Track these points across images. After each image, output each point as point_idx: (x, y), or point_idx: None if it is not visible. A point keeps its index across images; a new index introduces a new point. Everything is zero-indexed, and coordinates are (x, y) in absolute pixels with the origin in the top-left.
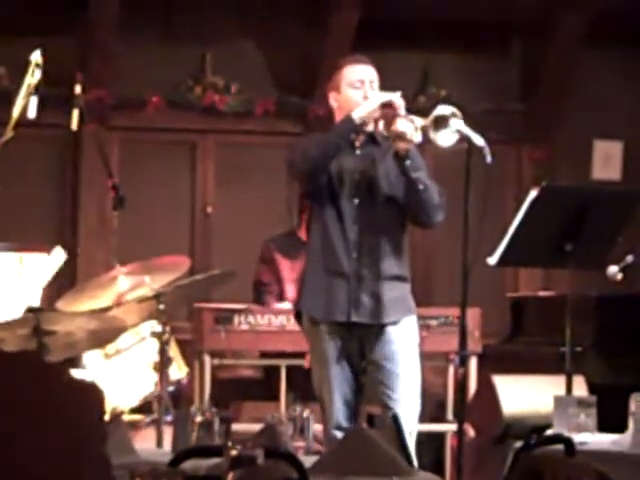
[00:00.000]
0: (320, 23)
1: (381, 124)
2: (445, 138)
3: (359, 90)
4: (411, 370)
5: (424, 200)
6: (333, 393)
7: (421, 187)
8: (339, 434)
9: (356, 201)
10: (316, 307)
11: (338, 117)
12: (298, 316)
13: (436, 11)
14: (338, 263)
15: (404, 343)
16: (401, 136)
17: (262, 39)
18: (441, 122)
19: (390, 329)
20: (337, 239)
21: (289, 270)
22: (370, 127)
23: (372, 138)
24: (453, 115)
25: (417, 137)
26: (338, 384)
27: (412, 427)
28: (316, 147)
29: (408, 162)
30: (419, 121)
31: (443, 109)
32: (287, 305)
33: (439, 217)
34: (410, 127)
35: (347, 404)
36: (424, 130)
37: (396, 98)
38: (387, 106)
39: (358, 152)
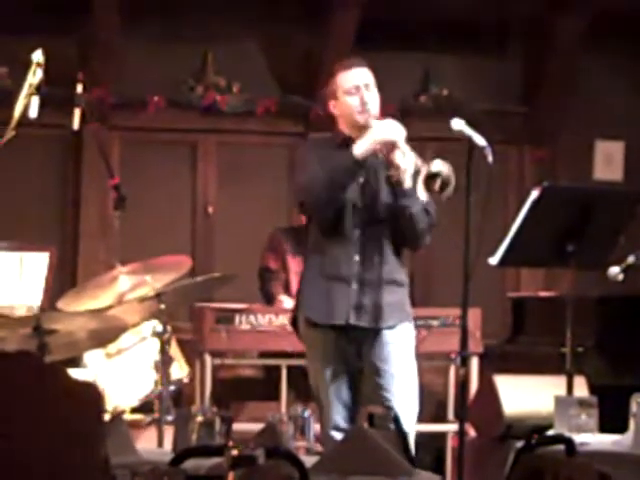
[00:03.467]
0: (321, 23)
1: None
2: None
3: (355, 96)
4: (407, 372)
5: (408, 226)
6: (330, 395)
7: (407, 214)
8: (337, 434)
9: (358, 205)
10: (315, 310)
11: (341, 124)
12: (294, 322)
13: (437, 11)
14: (337, 266)
15: (400, 345)
16: (397, 167)
17: (264, 39)
18: (434, 177)
19: (386, 332)
20: (337, 242)
21: (295, 262)
22: None
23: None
24: (447, 176)
25: (410, 169)
26: (335, 386)
27: (409, 429)
28: (323, 188)
29: (399, 189)
30: (416, 159)
31: (439, 165)
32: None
33: (420, 243)
34: (407, 163)
35: (344, 405)
36: (417, 169)
37: (397, 135)
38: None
39: None
